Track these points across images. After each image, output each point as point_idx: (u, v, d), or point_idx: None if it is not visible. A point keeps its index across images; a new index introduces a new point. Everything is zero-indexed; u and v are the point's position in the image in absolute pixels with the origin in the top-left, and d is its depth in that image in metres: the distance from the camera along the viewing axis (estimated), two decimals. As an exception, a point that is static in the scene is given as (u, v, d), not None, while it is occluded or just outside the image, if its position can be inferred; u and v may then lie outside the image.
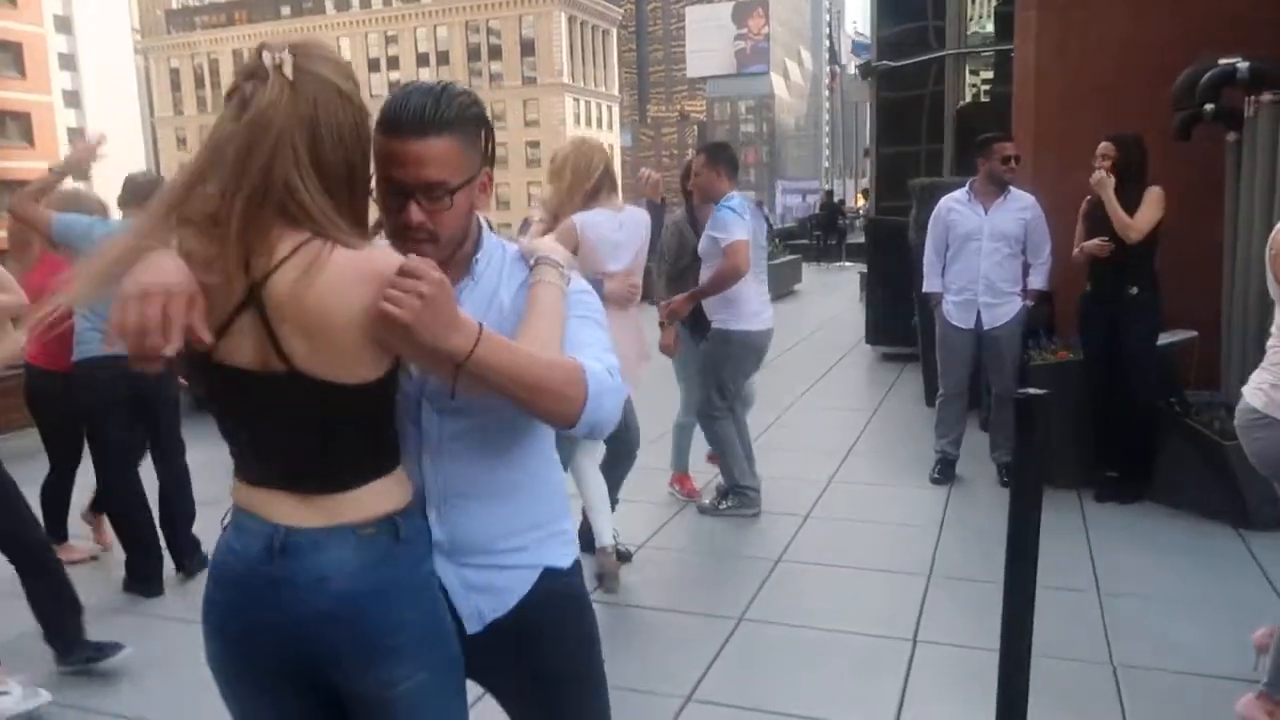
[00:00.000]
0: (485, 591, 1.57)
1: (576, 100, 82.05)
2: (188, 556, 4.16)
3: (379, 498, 1.43)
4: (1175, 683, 3.14)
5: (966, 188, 5.16)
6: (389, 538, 1.42)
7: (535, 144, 79.20)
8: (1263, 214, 5.05)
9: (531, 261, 1.55)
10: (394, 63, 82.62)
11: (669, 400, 5.20)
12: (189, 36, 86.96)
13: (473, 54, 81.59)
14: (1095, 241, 4.71)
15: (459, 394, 1.38)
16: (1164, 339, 4.86)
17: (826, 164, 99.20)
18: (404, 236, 1.43)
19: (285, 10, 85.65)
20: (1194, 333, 5.02)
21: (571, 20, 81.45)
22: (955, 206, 5.14)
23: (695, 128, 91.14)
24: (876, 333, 9.34)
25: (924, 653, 3.40)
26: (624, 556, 4.19)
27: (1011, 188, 5.07)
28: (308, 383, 1.33)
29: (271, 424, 1.39)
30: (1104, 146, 4.71)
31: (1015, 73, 7.04)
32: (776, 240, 17.02)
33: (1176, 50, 5.55)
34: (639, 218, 3.90)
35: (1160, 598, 3.81)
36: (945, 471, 5.35)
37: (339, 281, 1.29)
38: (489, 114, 1.52)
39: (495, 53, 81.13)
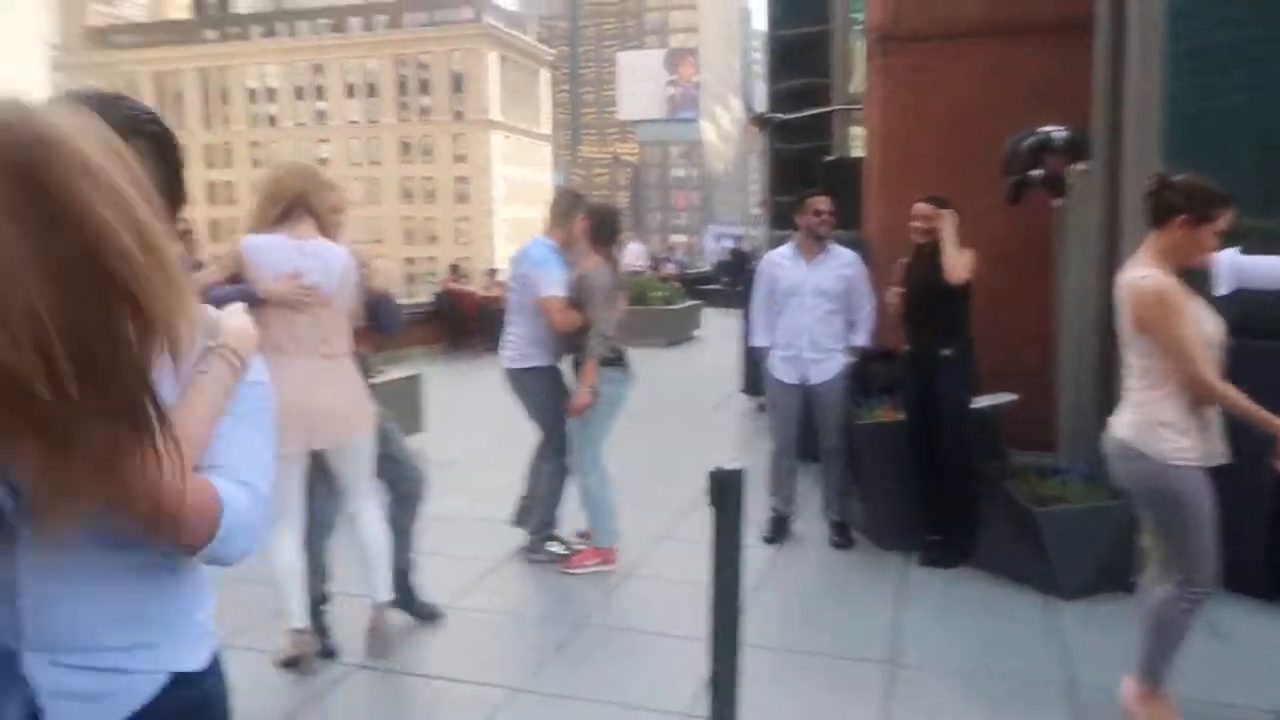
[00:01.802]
0: (86, 700, 1.26)
1: (506, 137, 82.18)
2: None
3: None
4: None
5: (791, 243, 5.14)
6: None
7: (464, 179, 79.01)
8: (1092, 274, 5.12)
9: (206, 347, 1.32)
10: (320, 93, 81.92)
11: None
12: (109, 55, 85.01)
13: (401, 87, 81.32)
14: (891, 290, 4.88)
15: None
16: (981, 402, 4.87)
17: (756, 210, 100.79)
18: None
19: (210, 34, 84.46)
20: (1013, 395, 5.04)
21: (504, 60, 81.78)
22: (780, 262, 5.12)
23: (629, 170, 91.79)
24: (751, 383, 9.17)
25: (689, 729, 3.26)
26: (428, 614, 4.10)
27: (834, 245, 5.07)
28: None
29: None
30: (920, 207, 4.74)
31: (866, 135, 7.15)
32: (676, 284, 17.05)
33: (1008, 117, 5.64)
34: (334, 254, 3.44)
35: (951, 670, 3.73)
36: (776, 529, 5.24)
37: None
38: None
39: (424, 87, 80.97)
